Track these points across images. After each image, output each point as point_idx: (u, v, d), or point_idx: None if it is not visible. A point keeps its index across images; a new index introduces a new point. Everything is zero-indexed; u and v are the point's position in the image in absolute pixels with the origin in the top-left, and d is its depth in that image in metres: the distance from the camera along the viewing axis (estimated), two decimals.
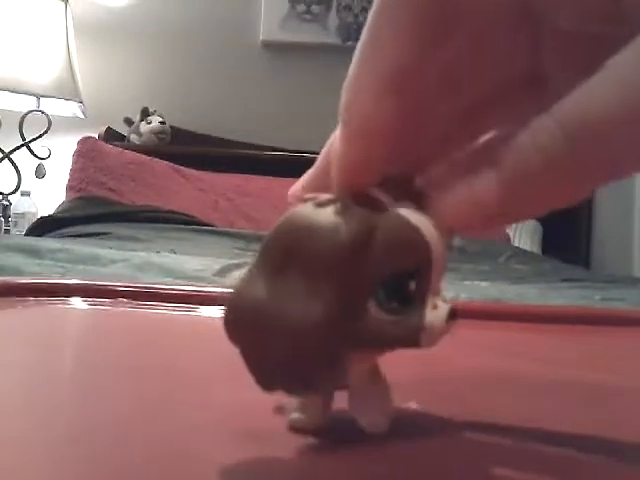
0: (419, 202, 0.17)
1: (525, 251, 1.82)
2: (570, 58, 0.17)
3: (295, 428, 0.20)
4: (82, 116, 2.10)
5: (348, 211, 0.16)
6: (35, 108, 2.00)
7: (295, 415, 0.20)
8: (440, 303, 0.17)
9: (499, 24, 0.17)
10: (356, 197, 0.17)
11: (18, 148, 2.00)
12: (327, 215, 0.16)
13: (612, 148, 0.14)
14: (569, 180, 0.15)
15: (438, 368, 0.31)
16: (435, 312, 0.17)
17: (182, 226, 1.56)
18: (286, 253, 0.16)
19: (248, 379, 0.27)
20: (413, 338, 0.17)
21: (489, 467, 0.18)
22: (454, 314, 0.17)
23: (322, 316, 0.16)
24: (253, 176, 1.92)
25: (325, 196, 0.17)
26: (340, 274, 0.16)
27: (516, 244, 1.95)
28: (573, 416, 0.24)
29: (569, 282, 1.14)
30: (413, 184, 0.19)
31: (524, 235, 2.05)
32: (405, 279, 0.17)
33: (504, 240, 1.89)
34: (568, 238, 2.13)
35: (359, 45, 0.17)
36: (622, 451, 0.20)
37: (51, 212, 1.76)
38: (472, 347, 0.40)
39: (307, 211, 0.17)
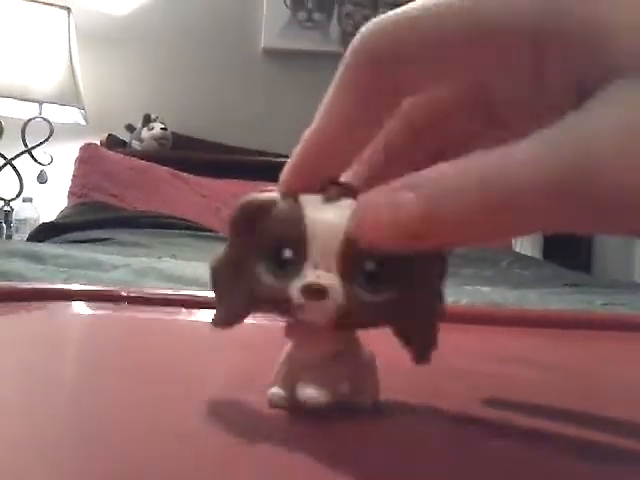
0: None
1: (526, 256, 1.82)
2: (515, 115, 0.19)
3: (273, 404, 0.22)
4: (84, 123, 2.10)
5: (269, 196, 0.20)
6: (37, 115, 2.00)
7: (274, 390, 0.22)
8: (309, 275, 0.19)
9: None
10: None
11: (20, 154, 2.01)
12: (250, 196, 0.21)
13: (519, 213, 0.15)
14: (476, 227, 0.15)
15: (435, 369, 0.31)
16: (297, 282, 0.19)
17: (183, 231, 1.56)
18: (228, 222, 0.21)
19: (246, 381, 0.27)
20: (282, 301, 0.19)
21: (474, 464, 0.18)
22: (305, 288, 0.19)
23: (219, 265, 0.21)
24: (254, 182, 1.92)
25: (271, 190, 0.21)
26: (236, 237, 0.21)
27: (517, 249, 1.95)
28: (569, 420, 0.24)
29: (570, 287, 1.14)
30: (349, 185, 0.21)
31: (525, 240, 2.05)
32: (281, 248, 0.20)
33: (505, 245, 1.89)
34: (569, 243, 2.13)
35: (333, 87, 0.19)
36: (617, 455, 0.20)
37: (53, 218, 1.76)
38: (472, 351, 0.40)
39: (249, 194, 0.21)
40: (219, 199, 1.86)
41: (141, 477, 0.16)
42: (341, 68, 0.18)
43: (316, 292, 0.19)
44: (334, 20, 2.30)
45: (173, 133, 2.17)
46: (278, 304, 0.20)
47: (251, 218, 0.20)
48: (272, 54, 2.32)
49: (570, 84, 0.15)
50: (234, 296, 0.21)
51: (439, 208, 0.15)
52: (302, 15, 2.30)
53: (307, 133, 0.20)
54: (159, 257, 0.99)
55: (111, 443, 0.18)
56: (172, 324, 0.45)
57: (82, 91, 2.05)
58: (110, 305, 0.48)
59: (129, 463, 0.17)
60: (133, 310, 0.47)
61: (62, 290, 0.49)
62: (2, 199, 2.02)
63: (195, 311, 0.48)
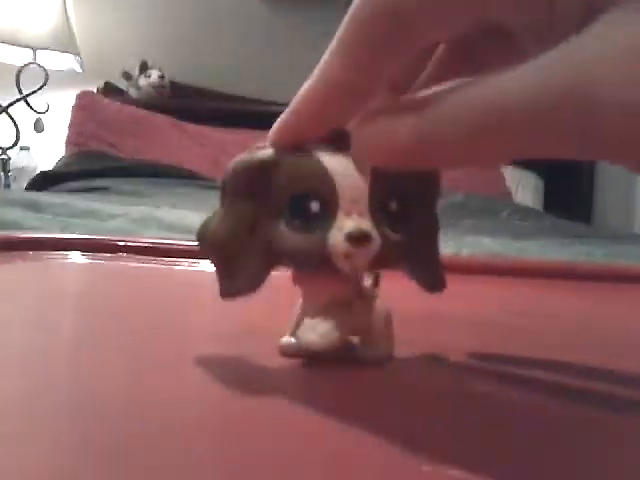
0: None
1: (526, 207, 1.81)
2: (532, 43, 0.18)
3: (284, 353, 0.22)
4: (79, 70, 2.07)
5: (267, 151, 0.19)
6: (32, 61, 1.96)
7: (285, 339, 0.22)
8: (347, 225, 0.18)
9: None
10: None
11: (16, 102, 1.98)
12: (251, 155, 0.19)
13: (516, 132, 0.15)
14: (479, 149, 0.16)
15: (437, 318, 0.31)
16: (337, 233, 0.19)
17: (182, 181, 1.55)
18: (222, 186, 0.20)
19: (257, 330, 0.27)
20: (318, 255, 0.19)
21: (473, 411, 0.18)
22: (351, 237, 0.18)
23: (224, 231, 0.20)
24: (254, 131, 1.90)
25: (265, 145, 0.20)
26: (239, 198, 0.20)
27: (517, 200, 1.94)
28: (568, 368, 0.24)
29: (571, 238, 1.14)
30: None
31: (525, 191, 2.04)
32: (307, 201, 0.19)
33: (505, 196, 1.89)
34: (570, 195, 2.12)
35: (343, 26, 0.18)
36: (614, 401, 0.20)
37: (51, 167, 1.75)
38: (473, 301, 0.40)
39: (243, 154, 0.20)
40: (218, 148, 1.85)
41: (144, 435, 0.16)
42: (353, 17, 0.17)
43: (362, 238, 0.18)
44: None
45: (171, 81, 2.13)
46: (312, 258, 0.19)
47: (256, 178, 0.19)
48: (271, 2, 2.27)
49: (579, 8, 0.15)
50: (250, 261, 0.20)
51: (436, 129, 0.16)
52: None
53: (314, 81, 0.18)
54: (158, 206, 0.98)
55: (111, 399, 0.18)
56: (172, 274, 0.45)
57: (77, 37, 2.00)
58: (107, 255, 0.47)
59: (130, 421, 0.16)
60: (131, 260, 0.47)
61: (59, 240, 0.48)
62: None
63: (195, 261, 0.47)
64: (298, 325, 0.22)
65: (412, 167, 0.18)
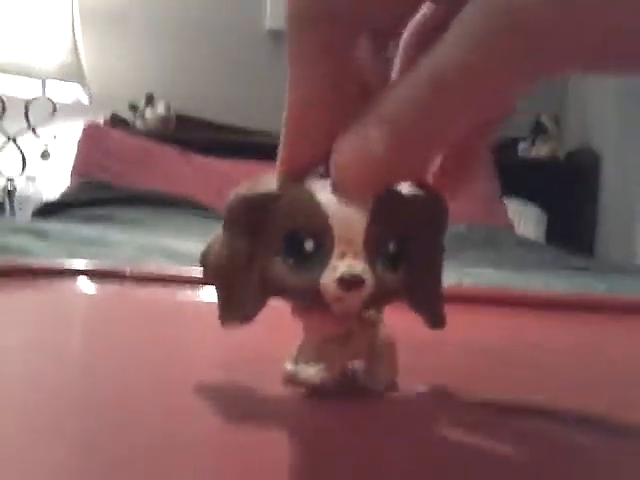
0: None
1: (529, 239, 1.81)
2: None
3: (289, 381, 0.22)
4: (87, 102, 2.09)
5: (266, 186, 0.19)
6: (40, 94, 1.99)
7: (288, 367, 0.22)
8: (340, 266, 0.18)
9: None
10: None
11: (24, 132, 2.00)
12: (249, 190, 0.19)
13: (466, 92, 0.15)
14: (439, 125, 0.16)
15: (436, 348, 0.31)
16: (330, 274, 0.18)
17: (186, 211, 1.56)
18: (225, 215, 0.20)
19: (247, 360, 0.27)
20: (311, 294, 0.18)
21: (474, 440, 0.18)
22: (343, 281, 0.18)
23: (223, 261, 0.20)
24: (260, 162, 1.91)
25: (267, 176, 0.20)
26: (238, 232, 0.20)
27: (520, 233, 1.94)
28: (564, 399, 0.24)
29: (573, 271, 1.14)
30: None
31: (528, 223, 2.04)
32: (301, 239, 0.19)
33: (508, 229, 1.89)
34: (572, 227, 2.13)
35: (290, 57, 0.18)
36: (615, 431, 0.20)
37: (56, 196, 1.76)
38: (475, 331, 0.40)
39: (243, 186, 0.20)
40: (223, 179, 1.86)
41: (146, 456, 0.16)
42: (295, 39, 0.17)
43: (353, 282, 0.18)
44: None
45: (176, 113, 2.16)
46: (304, 297, 0.19)
47: (255, 212, 0.19)
48: (277, 35, 2.30)
49: None
50: (246, 292, 0.20)
51: (401, 125, 0.16)
52: None
53: (291, 112, 0.18)
54: (162, 235, 0.99)
55: (114, 422, 0.18)
56: (177, 302, 0.45)
57: (85, 69, 2.03)
58: (114, 282, 0.48)
59: (133, 442, 0.17)
60: (137, 287, 0.47)
61: (65, 266, 0.49)
62: (6, 177, 2.01)
63: (200, 288, 0.48)
64: (297, 355, 0.22)
65: (398, 178, 0.18)
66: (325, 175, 0.19)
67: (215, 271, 0.20)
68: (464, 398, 0.23)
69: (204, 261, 0.21)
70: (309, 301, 0.19)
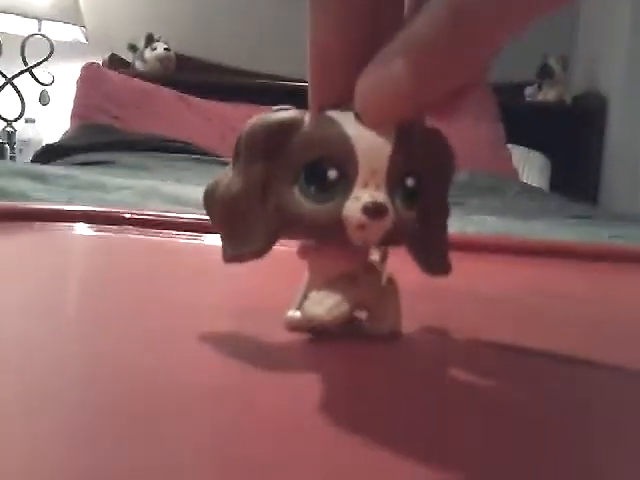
0: None
1: (533, 187, 1.80)
2: None
3: (290, 326, 0.21)
4: (84, 41, 2.05)
5: (288, 112, 0.19)
6: (36, 32, 1.95)
7: (291, 313, 0.21)
8: (365, 196, 0.18)
9: None
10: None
11: (21, 73, 1.97)
12: (270, 115, 0.19)
13: (489, 17, 0.16)
14: (459, 49, 0.16)
15: (439, 297, 0.31)
16: (353, 203, 0.18)
17: (188, 155, 1.54)
18: (237, 145, 0.19)
19: (249, 308, 0.26)
20: (332, 224, 0.18)
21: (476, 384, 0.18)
22: (367, 209, 0.18)
23: (234, 190, 0.19)
24: (262, 106, 1.89)
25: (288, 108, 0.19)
26: (254, 160, 0.19)
27: (524, 180, 1.93)
28: (566, 343, 0.24)
29: (577, 219, 1.14)
30: None
31: (532, 171, 2.03)
32: (324, 168, 0.18)
33: (512, 176, 1.88)
34: (577, 175, 2.11)
35: None
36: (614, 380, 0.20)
37: (56, 140, 1.75)
38: (478, 279, 0.40)
39: (262, 114, 0.19)
40: (224, 123, 1.84)
41: (147, 406, 0.16)
42: None
43: (378, 211, 0.18)
44: None
45: (177, 54, 2.12)
46: (325, 228, 0.18)
47: (274, 138, 0.19)
48: None
49: None
50: (258, 225, 0.19)
51: (424, 54, 0.16)
52: None
53: (314, 49, 0.19)
54: (163, 180, 0.98)
55: (115, 373, 0.18)
56: (178, 248, 0.45)
57: (82, 8, 1.98)
58: (113, 227, 0.47)
59: (135, 397, 0.16)
60: (137, 233, 0.47)
61: (64, 211, 0.48)
62: (4, 119, 1.99)
63: (199, 234, 0.47)
64: (304, 299, 0.21)
65: (421, 106, 0.18)
66: (350, 107, 0.18)
67: (223, 202, 0.19)
68: (467, 343, 0.23)
69: (209, 195, 0.20)
70: (329, 233, 0.19)
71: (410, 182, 0.19)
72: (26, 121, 2.02)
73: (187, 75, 2.10)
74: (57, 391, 0.16)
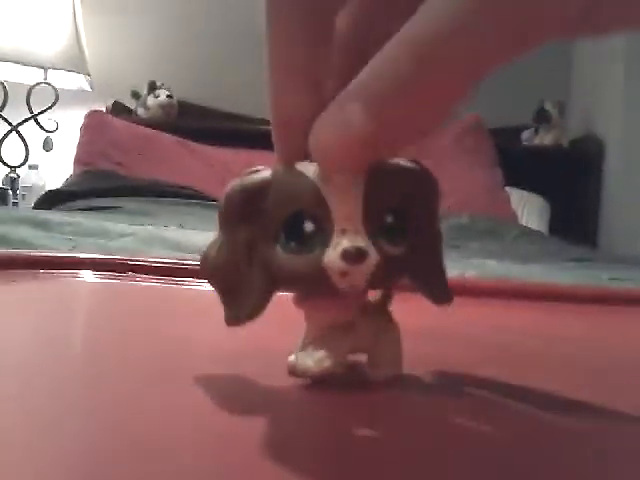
0: None
1: (532, 230, 1.81)
2: None
3: (293, 373, 0.21)
4: (89, 89, 2.09)
5: (260, 174, 0.19)
6: (42, 80, 1.99)
7: (292, 358, 0.21)
8: (342, 242, 0.18)
9: None
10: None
11: (26, 121, 2.00)
12: (243, 179, 0.19)
13: (450, 64, 0.15)
14: (423, 100, 0.16)
15: (440, 341, 0.31)
16: (333, 251, 0.18)
17: (190, 201, 1.56)
18: (219, 213, 0.20)
19: (251, 352, 0.27)
20: (315, 275, 0.18)
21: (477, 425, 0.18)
22: (346, 254, 0.18)
23: (223, 258, 0.20)
24: (262, 151, 1.90)
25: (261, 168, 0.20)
26: (236, 224, 0.19)
27: (523, 223, 1.94)
28: (567, 389, 0.24)
29: (577, 262, 1.14)
30: None
31: (531, 214, 2.04)
32: (300, 222, 0.19)
33: (511, 219, 1.89)
34: (576, 217, 2.12)
35: (269, 42, 0.18)
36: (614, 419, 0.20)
37: (59, 186, 1.76)
38: (477, 323, 0.40)
39: (237, 179, 0.20)
40: (226, 168, 1.85)
41: (146, 451, 0.16)
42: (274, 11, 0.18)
43: (357, 255, 0.18)
44: None
45: (179, 101, 2.15)
46: (308, 279, 0.19)
47: (251, 200, 0.19)
48: None
49: None
50: (250, 288, 0.19)
51: (384, 100, 0.16)
52: None
53: (274, 96, 0.19)
54: (165, 226, 0.99)
55: (115, 417, 0.18)
56: (180, 294, 0.45)
57: (87, 57, 2.03)
58: (116, 274, 0.48)
59: (133, 438, 0.17)
60: (140, 279, 0.47)
61: (69, 258, 0.49)
62: (8, 166, 2.01)
63: (203, 280, 0.48)
64: (300, 346, 0.21)
65: (381, 155, 0.18)
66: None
67: (216, 270, 0.20)
68: (468, 388, 0.23)
69: (203, 265, 0.20)
70: (313, 284, 0.19)
71: (390, 219, 0.19)
72: (29, 167, 2.04)
73: (189, 121, 2.13)
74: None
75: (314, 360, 0.20)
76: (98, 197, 1.50)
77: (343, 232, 0.18)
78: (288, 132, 0.19)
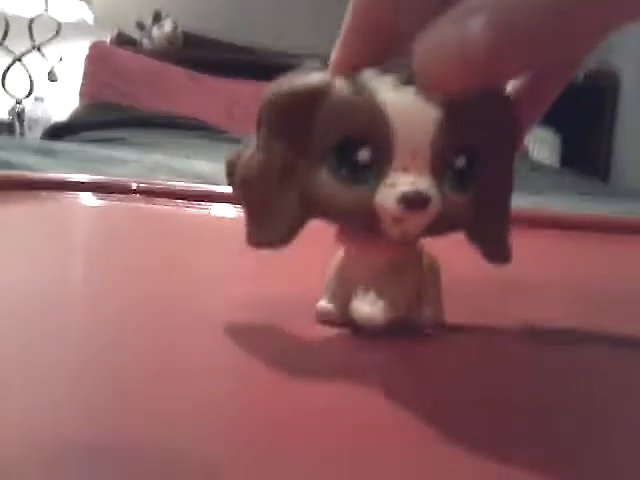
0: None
1: (544, 164, 1.79)
2: None
3: (322, 318, 0.19)
4: (91, 20, 2.04)
5: (315, 77, 0.16)
6: (43, 11, 1.94)
7: (323, 304, 0.19)
8: (401, 182, 0.15)
9: None
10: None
11: (29, 52, 1.96)
12: (294, 81, 0.16)
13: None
14: (564, 18, 0.13)
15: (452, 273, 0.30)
16: (389, 191, 0.15)
17: (196, 132, 1.54)
18: (259, 113, 0.17)
19: (256, 275, 0.26)
20: (362, 214, 0.16)
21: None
22: (405, 199, 0.15)
23: (256, 171, 0.17)
24: (268, 83, 1.87)
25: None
26: (278, 134, 0.16)
27: (534, 157, 1.91)
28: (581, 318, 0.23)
29: (588, 195, 1.13)
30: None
31: (543, 148, 2.01)
32: (356, 146, 0.15)
33: (522, 153, 1.86)
34: (588, 152, 2.09)
35: None
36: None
37: (65, 118, 1.74)
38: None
39: (285, 79, 0.16)
40: (231, 99, 1.82)
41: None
42: None
43: (418, 201, 0.15)
44: None
45: (184, 32, 2.10)
46: (357, 216, 0.16)
47: (300, 108, 0.16)
48: None
49: None
50: (283, 209, 0.17)
51: (511, 22, 0.13)
52: None
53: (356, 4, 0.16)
54: (172, 156, 0.98)
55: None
56: (184, 217, 0.44)
57: None
58: (120, 196, 0.47)
59: (154, 397, 0.15)
60: (144, 202, 0.47)
61: (72, 180, 0.48)
62: (14, 97, 1.99)
63: (208, 205, 0.47)
64: (337, 288, 0.19)
65: (493, 79, 0.15)
66: (390, 68, 0.16)
67: (245, 182, 0.17)
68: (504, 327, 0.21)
69: (231, 169, 0.18)
70: (362, 222, 0.16)
71: (461, 162, 0.16)
72: (35, 99, 2.02)
73: (193, 52, 2.08)
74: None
75: (378, 309, 0.18)
76: (105, 129, 1.49)
77: (404, 170, 0.15)
78: (360, 33, 0.16)
